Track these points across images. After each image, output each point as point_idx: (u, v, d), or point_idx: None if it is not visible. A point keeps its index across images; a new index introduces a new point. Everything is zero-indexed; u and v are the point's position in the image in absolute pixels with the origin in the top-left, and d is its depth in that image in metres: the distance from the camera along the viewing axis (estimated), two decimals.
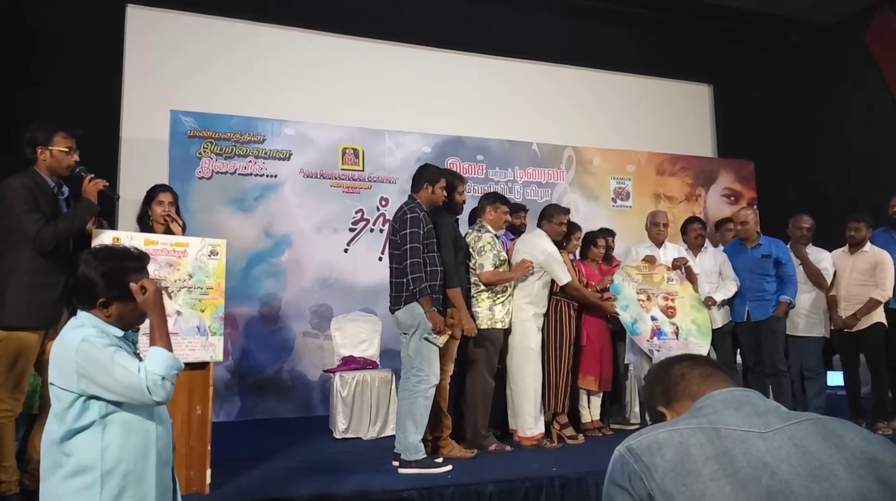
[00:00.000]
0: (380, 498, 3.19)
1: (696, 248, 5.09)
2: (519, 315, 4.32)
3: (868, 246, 4.90)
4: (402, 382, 3.82)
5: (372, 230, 6.27)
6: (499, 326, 4.21)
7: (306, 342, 5.96)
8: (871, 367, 4.84)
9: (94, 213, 3.19)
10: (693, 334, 4.69)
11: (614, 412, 5.13)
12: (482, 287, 4.19)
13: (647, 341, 4.61)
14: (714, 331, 4.82)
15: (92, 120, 5.15)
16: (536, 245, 4.39)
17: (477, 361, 4.17)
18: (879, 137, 7.29)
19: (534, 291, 4.35)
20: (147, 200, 3.68)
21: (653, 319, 4.68)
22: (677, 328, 4.70)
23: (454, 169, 5.93)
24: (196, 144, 5.79)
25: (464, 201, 4.28)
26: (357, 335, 5.22)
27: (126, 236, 3.16)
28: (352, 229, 6.21)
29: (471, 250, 4.23)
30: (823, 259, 4.97)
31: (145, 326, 1.91)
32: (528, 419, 4.27)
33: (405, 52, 6.95)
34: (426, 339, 3.71)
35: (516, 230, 4.89)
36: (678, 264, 4.83)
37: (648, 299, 4.72)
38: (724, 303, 4.86)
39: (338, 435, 4.68)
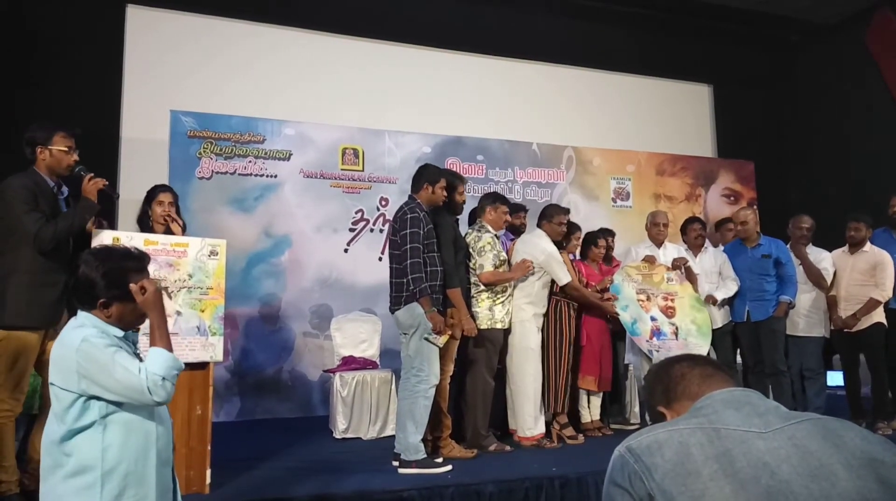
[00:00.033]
0: (380, 498, 3.19)
1: (695, 248, 5.09)
2: (519, 315, 4.32)
3: (868, 246, 4.90)
4: (402, 382, 3.82)
5: (372, 230, 6.27)
6: (499, 326, 4.21)
7: (306, 342, 5.96)
8: (871, 367, 4.84)
9: (94, 212, 3.19)
10: (692, 334, 4.69)
11: (614, 412, 5.13)
12: (482, 287, 4.19)
13: (647, 341, 4.61)
14: (714, 331, 4.82)
15: (92, 120, 5.15)
16: (536, 245, 4.39)
17: (477, 361, 4.17)
18: (879, 137, 7.29)
19: (534, 291, 4.35)
20: (147, 200, 3.69)
21: (652, 319, 4.68)
22: (677, 328, 4.70)
23: (454, 169, 5.93)
24: (196, 144, 5.79)
25: (464, 201, 4.28)
26: (357, 335, 5.22)
27: (126, 236, 3.16)
28: (352, 229, 6.22)
29: (471, 250, 4.23)
30: (823, 259, 4.97)
31: (145, 326, 1.91)
32: (528, 419, 4.27)
33: (405, 52, 6.95)
34: (426, 339, 3.71)
35: (516, 230, 4.89)
36: (678, 265, 4.83)
37: (648, 299, 4.72)
38: (724, 302, 4.86)
39: (338, 435, 4.68)
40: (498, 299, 4.22)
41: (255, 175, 5.95)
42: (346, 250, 6.17)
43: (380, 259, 6.09)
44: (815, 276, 4.91)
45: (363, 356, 5.12)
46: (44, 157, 3.15)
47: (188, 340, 3.17)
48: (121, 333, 1.88)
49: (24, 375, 3.02)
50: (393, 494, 3.21)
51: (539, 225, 4.59)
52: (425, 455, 3.69)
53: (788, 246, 4.98)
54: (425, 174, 3.97)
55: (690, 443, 1.14)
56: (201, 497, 3.11)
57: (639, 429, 1.26)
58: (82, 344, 1.76)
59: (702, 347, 4.64)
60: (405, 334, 3.83)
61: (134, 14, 6.11)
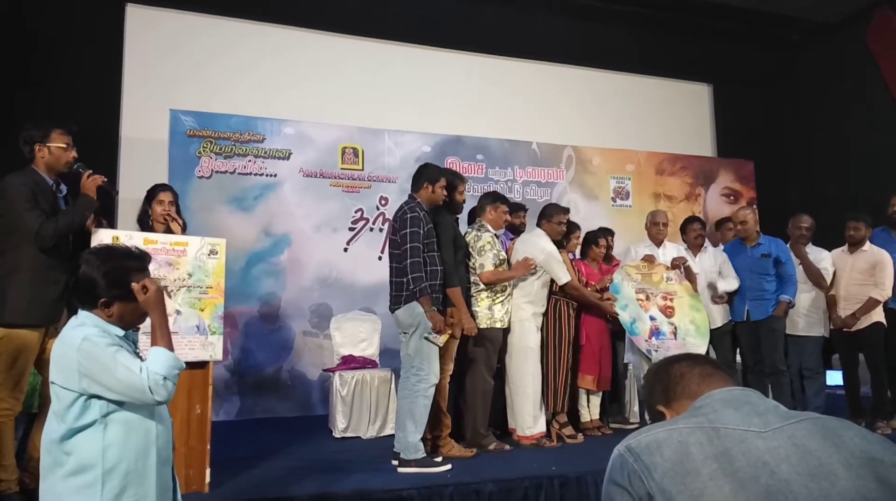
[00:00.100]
0: (379, 498, 3.19)
1: (695, 247, 5.09)
2: (518, 315, 4.32)
3: (867, 246, 4.91)
4: (402, 381, 3.82)
5: (371, 230, 6.27)
6: (498, 325, 4.21)
7: (306, 341, 5.96)
8: (871, 366, 4.84)
9: (94, 208, 3.19)
10: (691, 334, 4.69)
11: (613, 411, 5.14)
12: (481, 286, 4.19)
13: (646, 340, 4.60)
14: (713, 330, 4.82)
15: (92, 120, 5.15)
16: (536, 245, 4.39)
17: (476, 360, 4.17)
18: (879, 136, 7.29)
19: (533, 290, 4.35)
20: (147, 199, 3.70)
21: (651, 318, 4.67)
22: (675, 327, 4.69)
23: (454, 168, 5.94)
24: (196, 144, 5.79)
25: (464, 201, 4.28)
26: (356, 335, 5.22)
27: (125, 235, 3.15)
28: (351, 229, 6.22)
29: (470, 249, 4.23)
30: (823, 259, 4.97)
31: (146, 325, 1.91)
32: (528, 419, 4.27)
33: (405, 52, 6.95)
34: (426, 338, 3.71)
35: (516, 230, 4.90)
36: (677, 264, 4.83)
37: (647, 298, 4.72)
38: (725, 296, 4.85)
39: (337, 434, 4.68)
40: (497, 298, 4.22)
41: (255, 174, 5.95)
42: (345, 250, 6.17)
43: (379, 258, 6.09)
44: (814, 275, 4.92)
45: (363, 355, 5.12)
46: (42, 155, 3.16)
47: (188, 339, 3.17)
48: (121, 332, 1.88)
49: (24, 373, 3.02)
50: (392, 493, 3.21)
51: (539, 224, 4.59)
52: (425, 455, 3.69)
53: (788, 245, 4.98)
54: (425, 173, 3.97)
55: (690, 442, 1.14)
56: (201, 496, 3.11)
57: (638, 428, 1.26)
58: (83, 343, 1.76)
59: (700, 347, 4.64)
60: (405, 333, 3.83)
61: (133, 13, 6.11)
